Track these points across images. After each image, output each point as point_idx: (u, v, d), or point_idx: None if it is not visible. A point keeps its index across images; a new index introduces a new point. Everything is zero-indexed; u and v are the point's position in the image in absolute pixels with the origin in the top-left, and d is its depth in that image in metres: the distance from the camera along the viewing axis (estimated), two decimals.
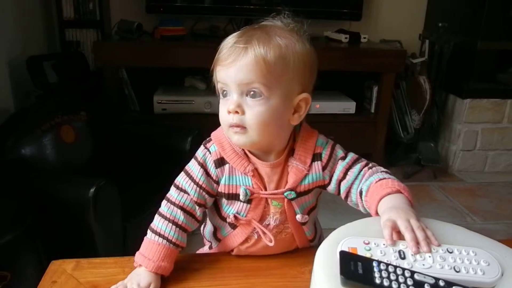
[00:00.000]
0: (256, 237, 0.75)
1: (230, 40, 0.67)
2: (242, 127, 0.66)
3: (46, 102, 1.80)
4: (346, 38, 2.36)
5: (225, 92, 0.68)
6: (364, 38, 2.42)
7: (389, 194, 0.65)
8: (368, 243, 0.54)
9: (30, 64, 1.90)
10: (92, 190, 1.21)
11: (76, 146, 1.58)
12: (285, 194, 0.71)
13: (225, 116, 0.68)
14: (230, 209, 0.74)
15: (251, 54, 0.64)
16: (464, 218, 2.11)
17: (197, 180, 0.72)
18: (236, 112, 0.65)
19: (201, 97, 2.22)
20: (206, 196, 0.73)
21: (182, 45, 2.18)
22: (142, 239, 0.72)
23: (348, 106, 2.37)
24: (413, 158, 2.57)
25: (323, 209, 0.82)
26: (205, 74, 2.31)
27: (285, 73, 0.66)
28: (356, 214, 0.63)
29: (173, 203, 0.72)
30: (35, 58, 1.93)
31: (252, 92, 0.65)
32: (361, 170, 0.72)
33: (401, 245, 0.54)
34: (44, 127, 1.53)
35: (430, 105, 2.49)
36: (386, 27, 2.65)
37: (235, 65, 0.65)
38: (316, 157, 0.72)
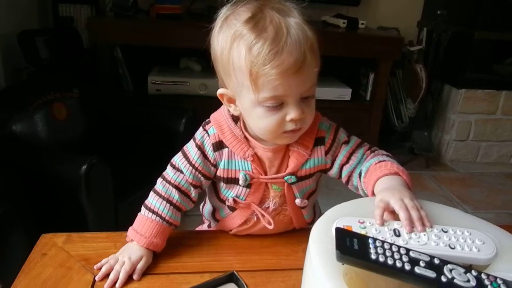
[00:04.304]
0: (255, 219, 0.74)
1: (269, 41, 0.58)
2: (299, 129, 0.65)
3: (38, 78, 1.76)
4: (344, 23, 2.34)
5: (277, 104, 0.62)
6: (362, 24, 2.39)
7: (386, 175, 0.65)
8: (363, 222, 0.53)
9: (22, 39, 1.85)
10: (84, 167, 1.19)
11: (68, 123, 1.56)
12: (286, 178, 0.71)
13: (276, 125, 0.63)
14: (229, 192, 0.73)
15: (309, 56, 0.60)
16: (455, 207, 2.09)
17: (193, 162, 0.71)
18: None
19: (196, 79, 2.18)
20: (202, 178, 0.72)
21: (178, 24, 2.15)
22: (134, 219, 0.72)
23: (343, 93, 2.36)
24: (407, 146, 2.58)
25: None
26: (201, 56, 2.29)
27: (319, 51, 0.63)
28: (349, 199, 0.62)
29: (169, 182, 0.71)
30: (27, 33, 1.88)
31: (308, 96, 0.63)
32: (364, 154, 0.71)
33: (396, 224, 0.54)
34: (35, 104, 1.51)
35: (425, 94, 2.49)
36: (384, 14, 2.63)
37: (299, 75, 0.60)
38: (318, 141, 0.71)
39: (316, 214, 0.81)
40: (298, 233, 0.76)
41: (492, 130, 2.63)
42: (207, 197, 0.82)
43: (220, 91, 0.68)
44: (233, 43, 0.61)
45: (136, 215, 0.72)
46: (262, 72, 0.59)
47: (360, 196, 0.69)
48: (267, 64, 0.58)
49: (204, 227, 0.87)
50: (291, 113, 0.62)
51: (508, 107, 2.58)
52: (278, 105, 0.62)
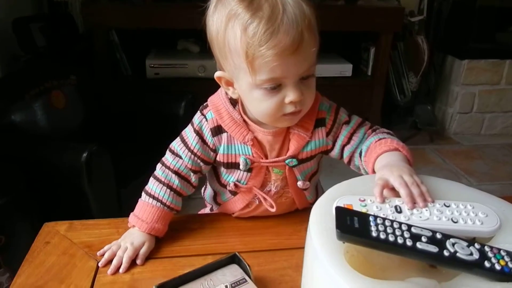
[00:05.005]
0: (257, 202, 0.74)
1: (264, 21, 0.56)
2: (299, 111, 0.63)
3: (34, 66, 1.75)
4: None
5: (275, 85, 0.60)
6: None
7: (386, 151, 0.64)
8: (364, 200, 0.53)
9: (17, 27, 1.83)
10: (84, 155, 1.19)
11: (67, 111, 1.55)
12: (287, 161, 0.70)
13: (276, 108, 0.62)
14: (230, 177, 0.73)
15: (306, 35, 0.57)
16: (460, 180, 2.13)
17: (191, 148, 0.70)
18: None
19: (194, 61, 2.16)
20: (201, 164, 0.71)
21: (174, 5, 2.10)
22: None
23: (344, 69, 2.32)
24: (410, 121, 2.56)
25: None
26: (198, 37, 2.25)
27: (318, 29, 0.61)
28: (353, 177, 0.61)
29: (168, 168, 0.71)
30: (22, 20, 1.85)
31: (308, 76, 0.61)
32: (365, 134, 0.70)
33: (397, 201, 0.53)
34: (33, 92, 1.50)
35: (427, 66, 2.45)
36: None
37: (296, 55, 0.57)
38: (319, 122, 0.70)
39: (318, 193, 0.81)
40: (300, 213, 0.76)
41: (496, 101, 2.59)
42: (207, 181, 0.81)
43: (217, 74, 0.66)
44: (228, 23, 0.59)
45: (138, 200, 0.71)
46: (258, 53, 0.57)
47: (360, 175, 0.68)
48: (263, 45, 0.56)
49: (206, 210, 0.87)
50: (290, 95, 0.60)
51: None
52: (277, 86, 0.60)
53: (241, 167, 0.69)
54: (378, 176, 0.57)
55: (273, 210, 0.71)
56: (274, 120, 0.64)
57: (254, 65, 0.58)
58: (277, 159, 0.70)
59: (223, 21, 0.60)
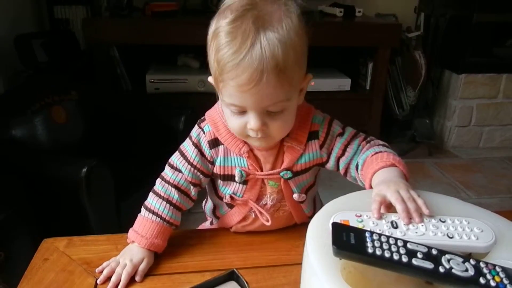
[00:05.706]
0: (253, 216, 0.74)
1: (231, 52, 0.57)
2: (265, 137, 0.64)
3: (35, 82, 1.77)
4: (340, 12, 2.32)
5: (238, 111, 0.62)
6: (359, 12, 2.38)
7: (383, 167, 0.64)
8: (360, 216, 0.53)
9: (18, 43, 1.85)
10: (84, 170, 1.20)
11: (68, 126, 1.56)
12: (281, 174, 0.70)
13: (240, 129, 0.63)
14: (226, 189, 0.73)
15: (269, 75, 0.56)
16: (458, 193, 2.13)
17: (191, 160, 0.71)
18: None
19: (194, 76, 2.18)
20: (201, 176, 0.72)
21: (174, 21, 2.14)
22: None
23: (343, 83, 2.34)
24: (408, 135, 2.56)
25: (318, 186, 0.81)
26: (198, 52, 2.28)
27: (297, 71, 0.61)
28: (352, 190, 0.62)
29: (168, 182, 0.71)
30: (24, 37, 1.88)
31: (275, 111, 0.62)
32: (359, 145, 0.71)
33: (393, 216, 0.53)
34: (34, 107, 1.51)
35: (425, 81, 2.47)
36: (381, 0, 2.60)
37: (255, 92, 0.58)
38: (312, 135, 0.71)
39: (316, 207, 0.81)
40: (298, 228, 0.76)
41: (494, 114, 2.61)
42: (208, 195, 0.82)
43: (209, 79, 0.67)
44: (212, 39, 0.61)
45: (138, 214, 0.72)
46: (221, 78, 0.59)
47: (359, 189, 0.69)
48: (224, 74, 0.58)
49: (207, 224, 0.87)
50: (251, 123, 0.62)
51: (510, 90, 2.55)
52: (242, 111, 0.62)
53: (236, 179, 0.70)
54: (376, 192, 0.57)
55: (268, 223, 0.72)
56: (243, 137, 0.66)
57: (219, 86, 0.61)
58: (271, 171, 0.70)
59: (210, 35, 0.62)
